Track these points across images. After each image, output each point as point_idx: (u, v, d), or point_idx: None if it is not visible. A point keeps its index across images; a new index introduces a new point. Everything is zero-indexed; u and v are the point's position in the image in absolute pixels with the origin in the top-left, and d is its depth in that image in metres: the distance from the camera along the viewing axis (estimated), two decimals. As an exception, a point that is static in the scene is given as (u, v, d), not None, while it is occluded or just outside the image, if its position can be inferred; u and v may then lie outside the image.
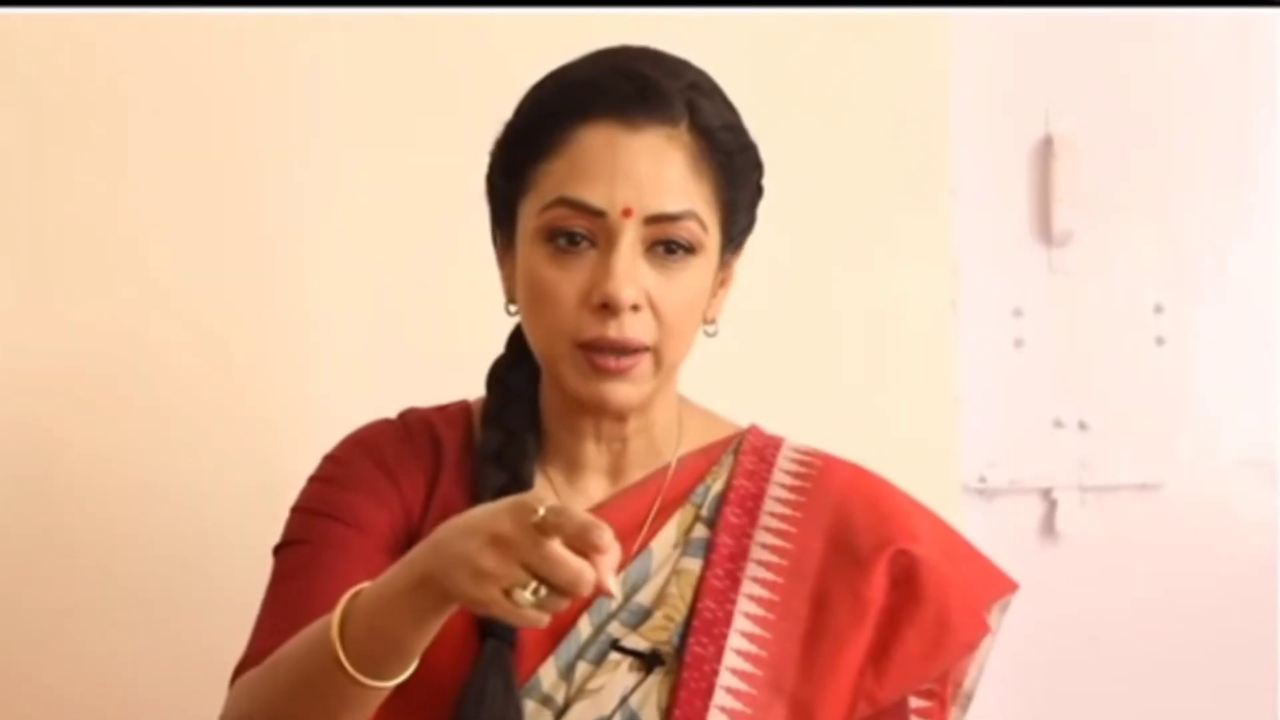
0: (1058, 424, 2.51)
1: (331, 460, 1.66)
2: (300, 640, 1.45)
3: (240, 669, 1.55)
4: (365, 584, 1.41)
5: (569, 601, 1.31)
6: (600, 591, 1.29)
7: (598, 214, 1.53)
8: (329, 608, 1.41)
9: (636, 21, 1.99)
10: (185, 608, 2.21)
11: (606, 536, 1.28)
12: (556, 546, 1.28)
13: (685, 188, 1.54)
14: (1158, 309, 2.51)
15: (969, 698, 1.67)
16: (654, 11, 2.26)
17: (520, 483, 1.61)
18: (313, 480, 1.66)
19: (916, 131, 2.39)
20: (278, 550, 1.63)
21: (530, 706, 1.55)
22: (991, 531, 2.42)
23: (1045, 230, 2.50)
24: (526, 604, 1.30)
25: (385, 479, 1.62)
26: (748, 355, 2.23)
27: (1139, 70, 2.51)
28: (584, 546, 1.28)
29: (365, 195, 2.28)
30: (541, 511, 1.29)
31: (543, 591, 1.30)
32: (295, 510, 1.64)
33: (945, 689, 1.65)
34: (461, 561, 1.32)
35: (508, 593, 1.30)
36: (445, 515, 1.58)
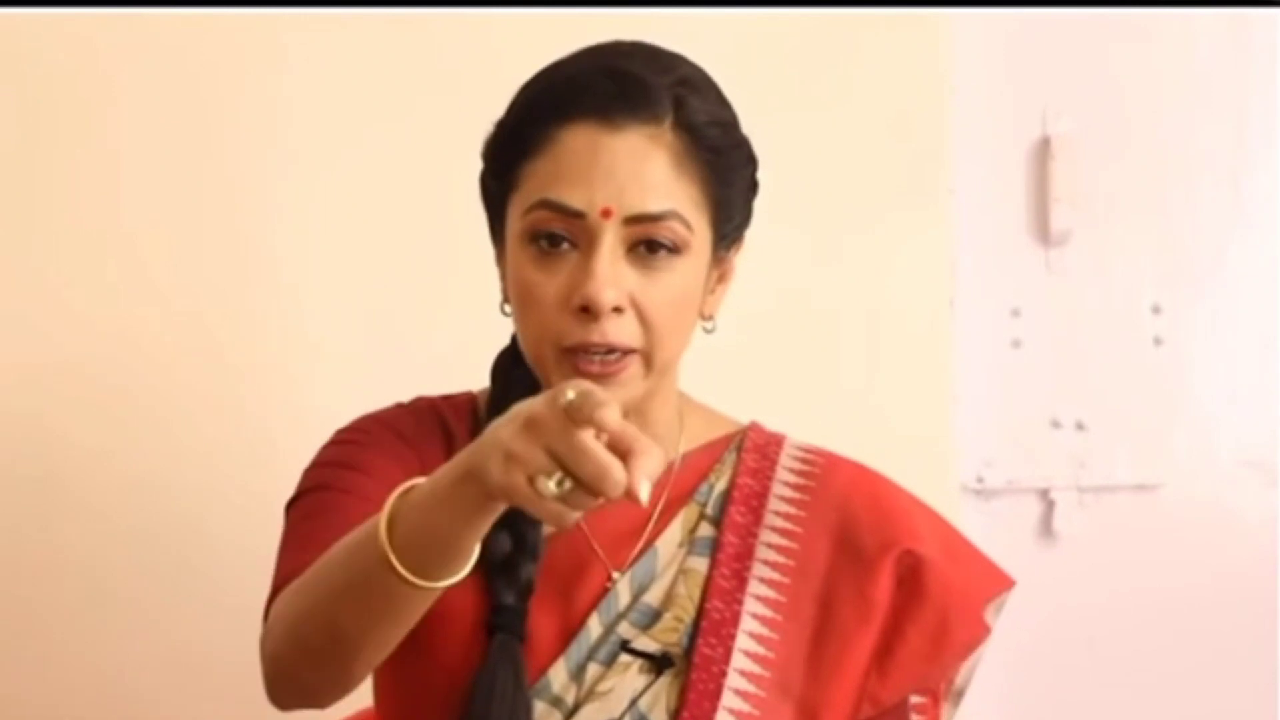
0: (1055, 424, 2.51)
1: (347, 429, 1.63)
2: (347, 542, 1.39)
3: (273, 595, 1.50)
4: (416, 480, 1.36)
5: (596, 502, 1.24)
6: (630, 497, 1.22)
7: (577, 215, 1.52)
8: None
9: (635, 22, 1.98)
10: (180, 605, 2.21)
11: (644, 487, 1.22)
12: (586, 437, 1.22)
13: (668, 187, 1.53)
14: (1155, 309, 2.51)
15: (960, 695, 1.67)
16: (652, 11, 2.26)
17: None
18: (328, 445, 1.63)
19: (915, 131, 2.39)
20: (291, 503, 1.59)
21: (540, 708, 1.54)
22: (989, 531, 2.41)
23: (1043, 230, 2.50)
24: (549, 494, 1.23)
25: (404, 445, 1.60)
26: (746, 355, 2.22)
27: (1136, 71, 2.51)
28: (586, 422, 1.22)
29: (361, 195, 2.28)
30: (571, 394, 1.23)
31: (567, 484, 1.24)
32: (311, 467, 1.61)
33: (939, 685, 1.65)
34: (495, 446, 1.26)
35: (532, 481, 1.24)
36: None
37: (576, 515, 1.26)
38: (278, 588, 1.50)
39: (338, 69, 2.28)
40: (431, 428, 1.63)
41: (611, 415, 1.22)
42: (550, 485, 1.24)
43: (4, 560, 2.20)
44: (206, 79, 2.25)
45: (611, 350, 1.52)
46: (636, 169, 1.51)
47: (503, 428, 1.27)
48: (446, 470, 1.33)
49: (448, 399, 1.68)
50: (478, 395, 1.68)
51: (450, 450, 1.60)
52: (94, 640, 2.21)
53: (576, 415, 1.22)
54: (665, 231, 1.52)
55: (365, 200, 2.28)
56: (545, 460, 1.23)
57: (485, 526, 1.33)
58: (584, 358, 1.52)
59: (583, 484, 1.23)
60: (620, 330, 1.52)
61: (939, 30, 2.40)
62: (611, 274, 1.51)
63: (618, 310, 1.51)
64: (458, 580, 1.35)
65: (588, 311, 1.51)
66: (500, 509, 1.32)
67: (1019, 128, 2.50)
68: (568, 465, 1.23)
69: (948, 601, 1.61)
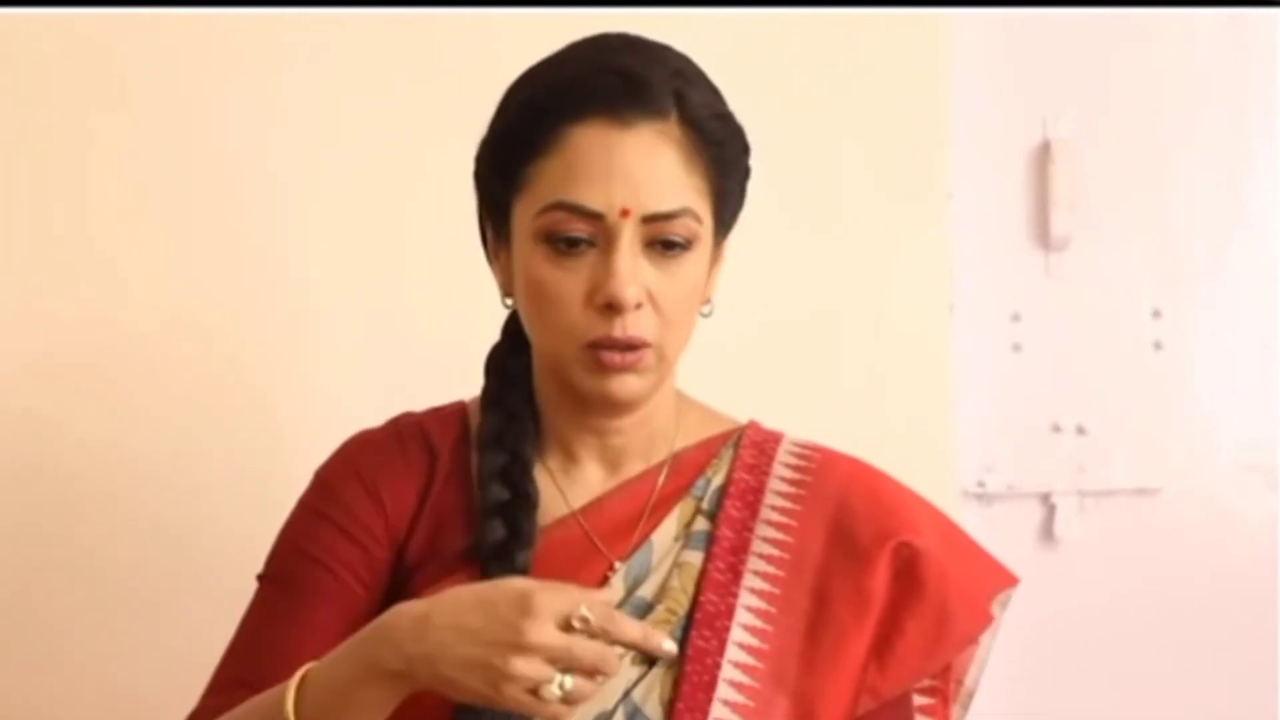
0: (1056, 428, 2.50)
1: (320, 484, 1.66)
2: (252, 713, 1.49)
3: (201, 708, 1.58)
4: (311, 665, 1.45)
5: (595, 687, 1.38)
6: (660, 653, 1.41)
7: (596, 217, 1.54)
8: (289, 666, 1.45)
9: (635, 22, 1.97)
10: (185, 601, 2.21)
11: (667, 643, 1.40)
12: (581, 640, 1.37)
13: (680, 184, 1.55)
14: (1155, 313, 2.51)
15: (970, 695, 1.67)
16: (652, 11, 2.25)
17: (520, 463, 1.61)
18: (302, 504, 1.66)
19: (914, 134, 2.39)
20: (260, 578, 1.65)
21: (533, 700, 1.57)
22: (990, 536, 2.36)
23: (1043, 235, 2.50)
24: (554, 698, 1.36)
25: (370, 504, 1.63)
26: (746, 359, 2.23)
27: (1137, 75, 2.51)
28: (644, 650, 1.39)
29: (361, 192, 2.29)
30: (589, 616, 1.36)
31: (569, 684, 1.35)
32: (282, 537, 1.66)
33: (947, 686, 1.65)
34: (471, 666, 1.37)
35: (533, 691, 1.36)
36: (439, 523, 1.62)
37: (574, 710, 1.40)
38: (198, 713, 1.58)
39: (338, 69, 2.28)
40: (411, 454, 1.65)
41: (667, 642, 1.42)
42: (555, 690, 1.36)
43: (6, 556, 2.20)
44: (206, 78, 2.26)
45: (630, 346, 1.54)
46: (649, 168, 1.54)
47: (467, 646, 1.38)
48: (349, 661, 1.43)
49: (435, 412, 1.69)
50: (468, 404, 1.69)
51: (431, 474, 1.64)
52: (97, 636, 2.21)
53: (596, 635, 1.38)
54: (680, 229, 1.55)
55: (366, 197, 2.28)
56: (550, 670, 1.37)
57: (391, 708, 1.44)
58: (606, 353, 1.55)
59: (584, 673, 1.38)
60: (639, 324, 1.55)
61: (939, 31, 2.40)
62: (632, 272, 1.54)
63: (637, 306, 1.54)
64: None
65: (611, 308, 1.54)
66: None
67: (1019, 132, 2.50)
68: (569, 666, 1.37)
69: (946, 593, 1.61)
